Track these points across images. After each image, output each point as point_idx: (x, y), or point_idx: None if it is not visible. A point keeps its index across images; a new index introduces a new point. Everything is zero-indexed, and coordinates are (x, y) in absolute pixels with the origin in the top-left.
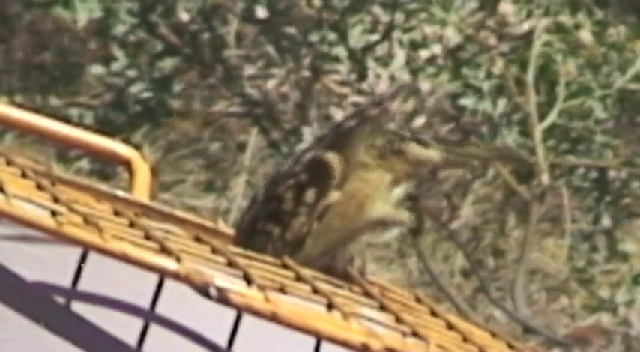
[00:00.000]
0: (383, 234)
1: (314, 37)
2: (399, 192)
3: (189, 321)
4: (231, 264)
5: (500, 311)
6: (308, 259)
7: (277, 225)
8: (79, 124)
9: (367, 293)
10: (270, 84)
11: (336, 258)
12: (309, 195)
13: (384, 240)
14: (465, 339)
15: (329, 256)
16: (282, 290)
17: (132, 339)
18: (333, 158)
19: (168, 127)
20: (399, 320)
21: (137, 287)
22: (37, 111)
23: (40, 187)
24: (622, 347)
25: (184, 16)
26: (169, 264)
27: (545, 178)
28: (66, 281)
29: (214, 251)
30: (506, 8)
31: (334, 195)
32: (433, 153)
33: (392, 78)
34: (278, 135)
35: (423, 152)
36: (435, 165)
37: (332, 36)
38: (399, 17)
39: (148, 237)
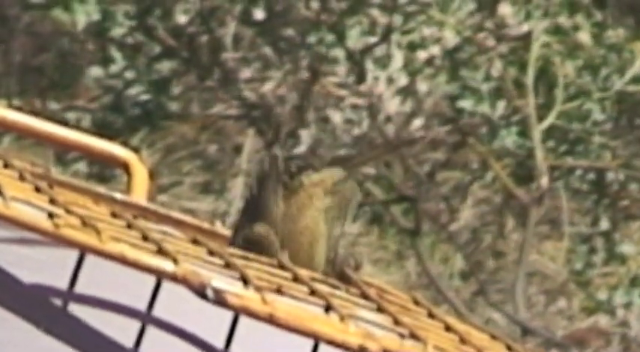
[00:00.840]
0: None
1: (312, 39)
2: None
3: (186, 323)
4: (228, 265)
5: (499, 314)
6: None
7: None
8: (78, 127)
9: (365, 295)
10: (268, 86)
11: (334, 260)
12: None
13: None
14: (463, 341)
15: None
16: (279, 291)
17: (129, 341)
18: (262, 229)
19: (166, 130)
20: (396, 322)
21: (134, 290)
22: (36, 113)
23: (37, 189)
24: (620, 348)
25: (182, 19)
26: (167, 265)
27: (544, 180)
28: (63, 284)
29: (211, 253)
30: (504, 10)
31: (284, 256)
32: (330, 173)
33: (390, 79)
34: (275, 138)
35: (320, 176)
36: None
37: (330, 38)
38: (398, 19)
39: (145, 239)
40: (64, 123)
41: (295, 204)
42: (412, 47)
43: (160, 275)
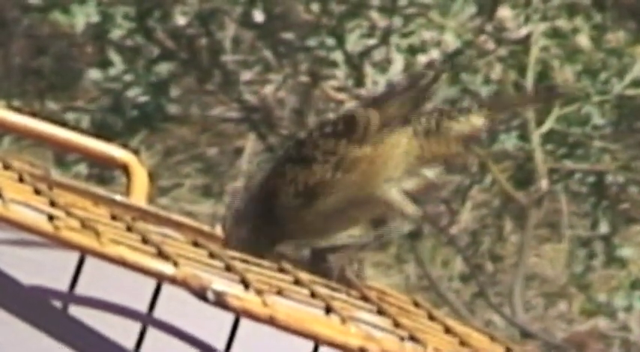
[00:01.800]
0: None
1: (312, 42)
2: (428, 173)
3: (186, 325)
4: (228, 268)
5: (499, 316)
6: (316, 216)
7: (303, 169)
8: (77, 128)
9: (365, 298)
10: (268, 89)
11: (334, 263)
12: (342, 145)
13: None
14: (463, 343)
15: (329, 226)
16: (280, 293)
17: (129, 343)
18: (372, 114)
19: (166, 132)
20: (396, 324)
21: (135, 291)
22: (35, 115)
23: (37, 191)
24: (620, 351)
25: (181, 21)
26: (167, 268)
27: (544, 183)
28: (63, 286)
29: (212, 255)
30: (504, 13)
31: (365, 150)
32: (475, 121)
33: (389, 83)
34: (275, 141)
35: (464, 125)
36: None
37: (330, 41)
38: (397, 22)
39: (145, 242)
40: (64, 124)
41: (410, 135)
42: (412, 51)
43: (160, 278)
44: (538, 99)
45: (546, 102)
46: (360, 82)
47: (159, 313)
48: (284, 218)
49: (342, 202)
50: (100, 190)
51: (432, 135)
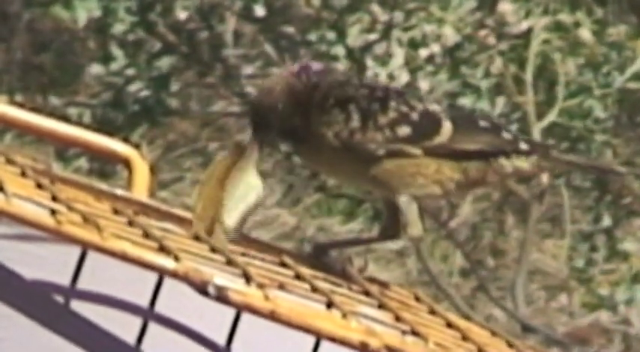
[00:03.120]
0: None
1: (312, 36)
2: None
3: (188, 320)
4: (230, 262)
5: (500, 310)
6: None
7: (360, 124)
8: (78, 123)
9: (366, 292)
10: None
11: (335, 257)
12: (405, 135)
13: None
14: (464, 338)
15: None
16: (281, 288)
17: (131, 338)
18: (447, 128)
19: (167, 127)
20: (398, 318)
21: (136, 286)
22: (37, 110)
23: (39, 186)
24: (622, 346)
25: (182, 15)
26: (168, 262)
27: (544, 177)
28: (65, 280)
29: (213, 249)
30: (505, 7)
31: (416, 153)
32: (522, 164)
33: (390, 77)
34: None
35: (512, 165)
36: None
37: (331, 35)
38: (398, 16)
39: (146, 236)
40: (66, 119)
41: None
42: (413, 45)
43: (162, 273)
44: (596, 170)
45: (600, 174)
46: (361, 75)
47: (160, 308)
48: (305, 137)
49: (362, 173)
50: (102, 185)
51: (480, 167)
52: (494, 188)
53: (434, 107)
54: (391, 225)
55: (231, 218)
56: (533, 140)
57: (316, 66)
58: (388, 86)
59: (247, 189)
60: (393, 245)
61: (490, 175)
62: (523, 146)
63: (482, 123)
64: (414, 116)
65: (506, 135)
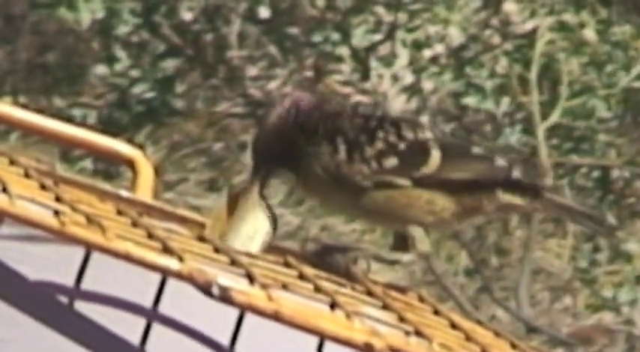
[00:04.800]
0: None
1: (317, 37)
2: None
3: (192, 320)
4: (234, 262)
5: (504, 311)
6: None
7: (347, 157)
8: (83, 124)
9: (370, 293)
10: (273, 84)
11: (339, 257)
12: (394, 167)
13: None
14: (468, 338)
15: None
16: (285, 288)
17: (135, 338)
18: (435, 157)
19: (172, 127)
20: (401, 319)
21: (140, 286)
22: (41, 111)
23: (43, 187)
24: (625, 346)
25: (187, 16)
26: (172, 263)
27: (548, 178)
28: (69, 281)
29: (217, 250)
30: (509, 7)
31: (406, 184)
32: (518, 200)
33: (395, 77)
34: None
35: (509, 199)
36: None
37: (335, 36)
38: (402, 17)
39: (150, 237)
40: (70, 120)
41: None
42: (417, 45)
43: (166, 273)
44: (588, 219)
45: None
46: (365, 76)
47: (164, 308)
48: (298, 169)
49: (353, 204)
50: (106, 186)
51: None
52: (493, 218)
53: (426, 135)
54: (400, 241)
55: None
56: (528, 182)
57: (308, 100)
58: (385, 115)
59: (254, 230)
60: (403, 257)
61: (486, 205)
62: (516, 175)
63: (475, 151)
64: (402, 146)
65: (499, 163)
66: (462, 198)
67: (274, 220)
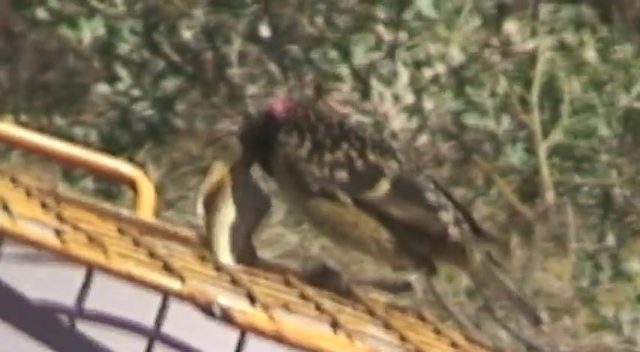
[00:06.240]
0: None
1: (316, 55)
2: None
3: (193, 340)
4: (235, 282)
5: (504, 331)
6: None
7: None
8: (84, 143)
9: (371, 312)
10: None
11: (340, 276)
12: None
13: None
14: None
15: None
16: (286, 307)
17: None
18: (384, 185)
19: (172, 146)
20: (403, 338)
21: (141, 306)
22: (42, 130)
23: (44, 206)
24: None
25: (187, 35)
26: (173, 283)
27: (549, 197)
28: (70, 300)
29: (218, 269)
30: (510, 26)
31: (349, 207)
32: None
33: (395, 97)
34: None
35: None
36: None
37: (335, 54)
38: (403, 36)
39: (152, 256)
40: (71, 139)
41: None
42: (418, 64)
43: (167, 293)
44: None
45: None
46: (365, 95)
47: (165, 328)
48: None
49: (299, 203)
50: (107, 205)
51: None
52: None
53: (389, 164)
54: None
55: (219, 246)
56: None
57: (296, 100)
58: (356, 128)
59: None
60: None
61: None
62: (454, 234)
63: (429, 197)
64: (358, 164)
65: (444, 217)
66: (404, 238)
67: (267, 201)
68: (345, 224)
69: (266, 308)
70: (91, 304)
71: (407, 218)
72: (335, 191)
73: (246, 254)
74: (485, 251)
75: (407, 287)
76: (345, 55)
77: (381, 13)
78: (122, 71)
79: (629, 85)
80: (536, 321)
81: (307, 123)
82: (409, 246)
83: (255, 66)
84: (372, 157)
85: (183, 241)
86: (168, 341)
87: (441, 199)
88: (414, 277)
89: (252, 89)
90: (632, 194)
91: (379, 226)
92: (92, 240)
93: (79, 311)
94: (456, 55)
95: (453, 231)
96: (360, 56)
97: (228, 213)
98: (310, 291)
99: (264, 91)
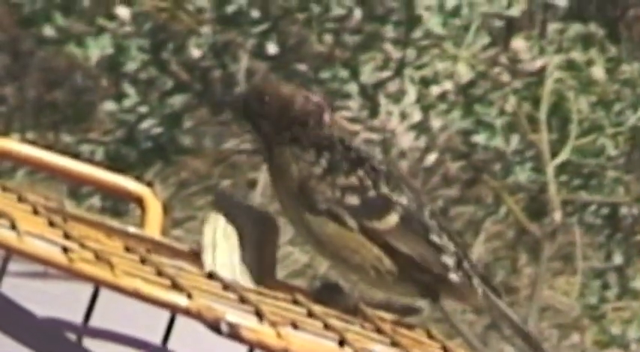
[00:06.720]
0: None
1: (325, 74)
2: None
3: None
4: (242, 299)
5: (512, 348)
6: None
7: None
8: (91, 161)
9: (379, 330)
10: None
11: (348, 295)
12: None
13: None
14: None
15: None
16: (294, 325)
17: None
18: (393, 217)
19: (180, 165)
20: None
21: (149, 323)
22: (50, 147)
23: (51, 224)
24: None
25: (195, 53)
26: (181, 300)
27: (557, 215)
28: (78, 318)
29: (226, 287)
30: (518, 44)
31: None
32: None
33: (403, 115)
34: None
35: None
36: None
37: (343, 73)
38: (411, 54)
39: (159, 273)
40: (78, 156)
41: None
42: (426, 82)
43: (175, 310)
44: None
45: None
46: (374, 112)
47: (173, 345)
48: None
49: (301, 216)
50: (114, 222)
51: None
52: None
53: (399, 199)
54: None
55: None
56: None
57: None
58: (373, 159)
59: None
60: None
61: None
62: (453, 277)
63: (433, 238)
64: (371, 194)
65: (446, 260)
66: (405, 269)
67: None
68: (347, 247)
69: (274, 325)
70: (98, 321)
71: (411, 254)
72: (343, 214)
73: (263, 275)
74: (486, 285)
75: (414, 311)
76: (354, 73)
77: (389, 31)
78: (129, 89)
79: (637, 104)
80: (538, 350)
81: (326, 141)
82: (413, 277)
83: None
84: (384, 189)
85: (191, 259)
86: None
87: (444, 240)
88: (420, 302)
89: None
90: (639, 213)
91: (382, 256)
92: (99, 258)
93: (86, 329)
94: (464, 73)
95: (454, 277)
96: (368, 74)
97: (229, 247)
98: (318, 309)
99: None
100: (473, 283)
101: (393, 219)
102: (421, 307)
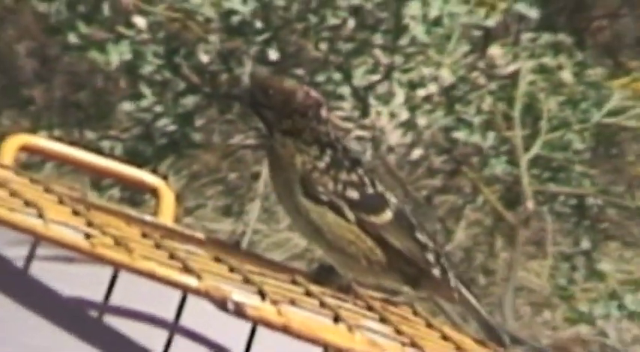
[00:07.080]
0: None
1: (321, 77)
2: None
3: (209, 332)
4: (247, 280)
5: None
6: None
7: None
8: (111, 155)
9: (370, 307)
10: None
11: (342, 276)
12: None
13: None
14: (458, 349)
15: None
16: (292, 303)
17: (158, 348)
18: (388, 214)
19: (191, 158)
20: (398, 331)
21: (163, 302)
22: (74, 143)
23: (75, 212)
24: None
25: (205, 58)
26: (191, 281)
27: (530, 204)
28: (99, 297)
29: (232, 269)
30: (494, 51)
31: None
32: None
33: (392, 114)
34: None
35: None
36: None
37: (337, 76)
38: (399, 59)
39: (172, 257)
40: (99, 151)
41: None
42: (412, 85)
43: (186, 290)
44: None
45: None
46: (365, 112)
47: (184, 321)
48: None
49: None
50: (132, 211)
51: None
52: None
53: (393, 199)
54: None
55: None
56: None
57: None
58: (369, 164)
59: None
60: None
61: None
62: (435, 273)
63: (418, 235)
64: (369, 190)
65: (428, 257)
66: (394, 260)
67: None
68: (344, 238)
69: (275, 303)
70: (117, 300)
71: (401, 248)
72: (343, 207)
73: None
74: (459, 279)
75: (400, 292)
76: (347, 77)
77: (379, 39)
78: (146, 90)
79: (601, 103)
80: (500, 343)
81: (328, 139)
82: (400, 268)
83: None
84: (379, 187)
85: (201, 244)
86: (186, 333)
87: (425, 238)
88: (403, 288)
89: None
90: (604, 203)
91: (375, 247)
92: (118, 243)
93: (107, 307)
94: (447, 77)
95: (436, 272)
96: (360, 78)
97: None
98: (315, 289)
99: None
100: (449, 278)
101: (387, 215)
102: (404, 292)
